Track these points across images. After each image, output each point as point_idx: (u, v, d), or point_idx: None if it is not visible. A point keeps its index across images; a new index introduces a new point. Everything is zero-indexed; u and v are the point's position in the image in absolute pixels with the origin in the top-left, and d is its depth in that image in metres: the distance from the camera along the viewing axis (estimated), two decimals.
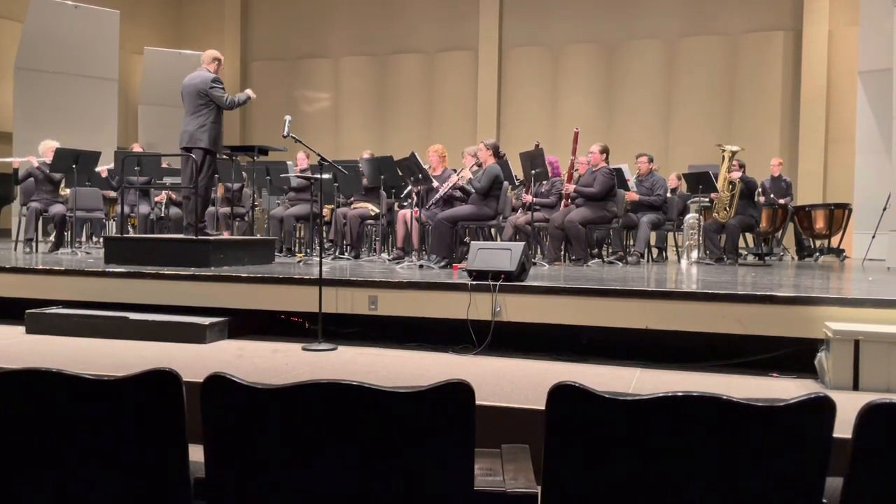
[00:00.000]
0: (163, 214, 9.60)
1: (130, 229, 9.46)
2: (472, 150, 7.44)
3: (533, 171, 7.27)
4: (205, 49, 7.60)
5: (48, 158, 8.03)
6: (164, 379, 1.64)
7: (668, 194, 8.96)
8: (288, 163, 8.96)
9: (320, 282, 4.95)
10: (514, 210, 8.00)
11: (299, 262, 7.38)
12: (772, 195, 9.90)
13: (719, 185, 8.29)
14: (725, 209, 8.24)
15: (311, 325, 5.26)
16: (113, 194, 9.64)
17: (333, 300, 5.10)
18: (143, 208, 9.29)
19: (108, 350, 4.78)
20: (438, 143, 8.41)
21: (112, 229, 10.05)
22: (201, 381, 1.62)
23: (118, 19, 12.08)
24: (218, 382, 1.61)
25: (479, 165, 7.14)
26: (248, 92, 6.86)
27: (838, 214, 9.58)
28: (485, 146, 7.12)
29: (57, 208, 8.14)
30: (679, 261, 8.91)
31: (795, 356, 4.37)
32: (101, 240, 8.93)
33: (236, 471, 1.65)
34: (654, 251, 9.29)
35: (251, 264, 6.42)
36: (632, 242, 8.46)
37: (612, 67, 13.56)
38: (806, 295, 4.45)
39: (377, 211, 8.15)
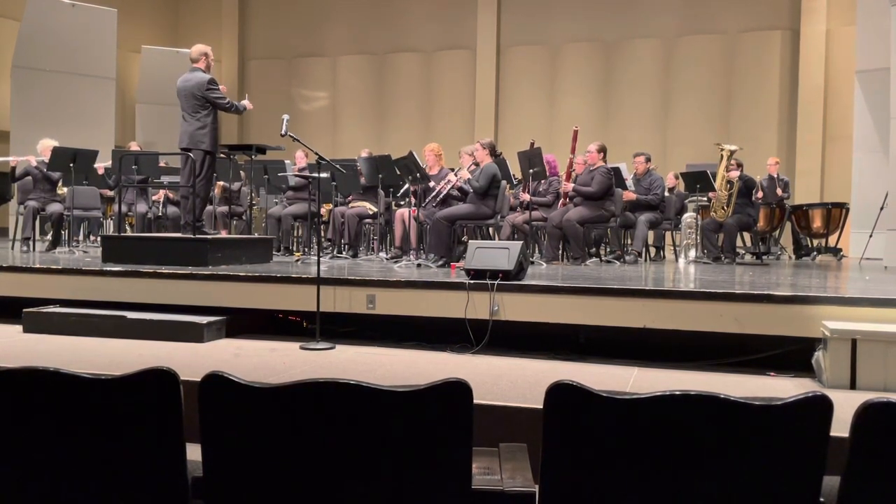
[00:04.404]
0: (160, 213, 9.59)
1: (128, 228, 9.45)
2: (469, 150, 7.45)
3: (531, 170, 7.27)
4: None
5: (46, 157, 8.01)
6: (161, 378, 1.64)
7: (666, 193, 8.96)
8: (286, 162, 8.96)
9: (318, 281, 4.95)
10: (512, 209, 8.00)
11: (297, 261, 7.38)
12: (772, 183, 9.89)
13: (717, 184, 8.30)
14: (723, 208, 8.25)
15: (309, 325, 5.27)
16: (110, 193, 9.62)
17: (331, 299, 5.10)
18: (141, 207, 9.28)
19: (106, 349, 4.77)
20: (436, 142, 8.39)
21: (110, 228, 10.03)
22: (199, 380, 1.62)
23: (115, 18, 12.05)
24: (216, 381, 1.61)
25: (477, 165, 7.14)
26: (246, 104, 6.86)
27: (836, 213, 9.60)
28: (481, 145, 7.12)
29: (54, 207, 8.13)
30: (677, 260, 8.92)
31: (793, 355, 4.38)
32: (99, 238, 8.92)
33: (234, 470, 1.65)
34: (652, 250, 9.30)
35: (249, 263, 6.42)
36: (629, 241, 8.46)
37: (611, 66, 13.57)
38: (803, 294, 4.46)
39: (375, 210, 8.14)
